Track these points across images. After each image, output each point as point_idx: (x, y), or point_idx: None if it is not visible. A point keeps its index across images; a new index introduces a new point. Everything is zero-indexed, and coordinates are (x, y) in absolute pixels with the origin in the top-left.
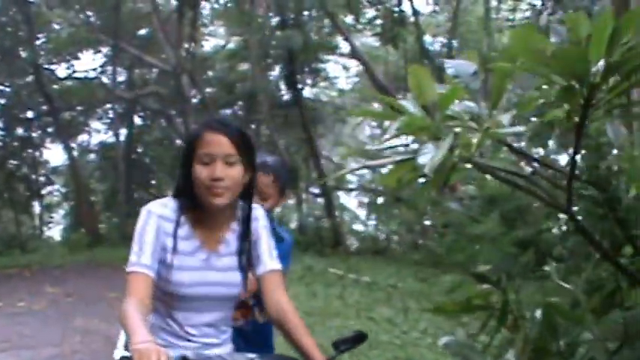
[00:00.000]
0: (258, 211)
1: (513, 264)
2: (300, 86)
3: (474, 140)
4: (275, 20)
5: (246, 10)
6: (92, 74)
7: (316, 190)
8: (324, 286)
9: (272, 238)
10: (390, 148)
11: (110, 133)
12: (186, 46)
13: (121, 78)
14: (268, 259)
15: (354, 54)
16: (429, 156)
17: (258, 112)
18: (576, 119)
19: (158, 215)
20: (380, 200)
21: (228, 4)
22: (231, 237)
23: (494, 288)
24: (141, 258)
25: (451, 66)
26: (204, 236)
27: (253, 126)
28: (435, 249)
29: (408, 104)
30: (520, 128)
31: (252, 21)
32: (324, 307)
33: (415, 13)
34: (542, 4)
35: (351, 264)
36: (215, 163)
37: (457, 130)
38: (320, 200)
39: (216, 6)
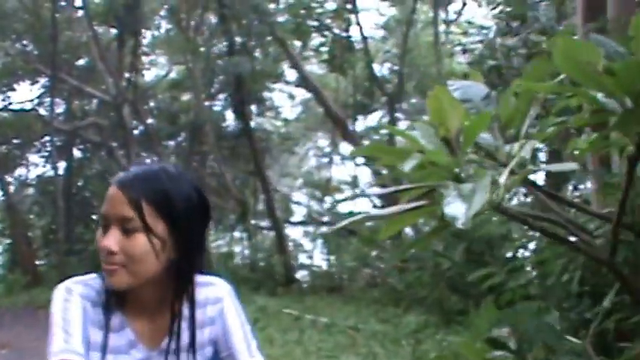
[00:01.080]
0: (219, 289)
1: (535, 327)
2: (249, 116)
3: (501, 181)
4: (220, 47)
5: (189, 36)
6: (29, 106)
7: (264, 224)
8: (281, 330)
9: (248, 321)
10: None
11: (48, 166)
12: (127, 75)
13: (59, 109)
14: (246, 355)
15: (301, 82)
16: (459, 206)
17: (203, 143)
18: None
19: (81, 296)
20: (325, 231)
21: (171, 32)
22: (181, 326)
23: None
24: (70, 343)
25: (458, 87)
26: (141, 327)
27: (198, 158)
28: (395, 285)
29: (421, 136)
30: (572, 165)
31: (196, 48)
32: (283, 355)
33: (364, 38)
34: (507, 25)
35: (307, 303)
36: (109, 229)
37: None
38: (266, 233)
39: (157, 34)
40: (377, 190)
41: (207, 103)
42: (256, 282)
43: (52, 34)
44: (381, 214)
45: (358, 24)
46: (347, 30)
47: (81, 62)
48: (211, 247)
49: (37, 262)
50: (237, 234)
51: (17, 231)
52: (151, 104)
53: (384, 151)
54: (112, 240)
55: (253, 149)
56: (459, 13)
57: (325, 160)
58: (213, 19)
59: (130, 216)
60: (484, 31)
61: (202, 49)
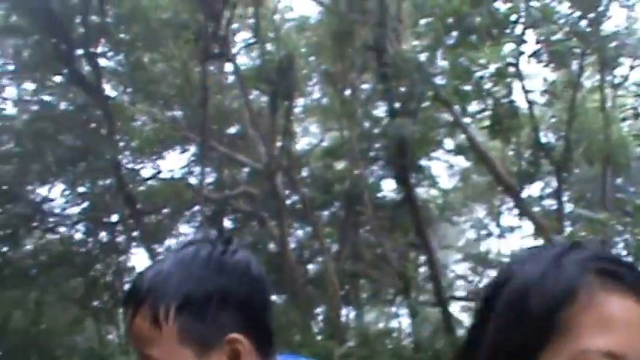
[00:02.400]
0: None
1: None
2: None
3: None
4: (377, 111)
5: (346, 100)
6: (178, 174)
7: (422, 298)
8: None
9: None
10: None
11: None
12: (279, 143)
13: (209, 178)
14: None
15: (460, 149)
16: None
17: (359, 213)
18: None
19: None
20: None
21: (324, 98)
22: None
23: None
24: None
25: None
26: None
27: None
28: None
29: None
30: None
31: (353, 112)
32: None
33: (529, 103)
34: None
35: None
36: None
37: None
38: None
39: (309, 100)
40: None
41: (363, 171)
42: None
43: (202, 99)
44: None
45: (523, 88)
46: (509, 95)
47: (231, 129)
48: (368, 322)
49: None
50: (393, 309)
51: None
52: (303, 173)
53: None
54: None
55: (416, 220)
56: (626, 78)
57: (484, 232)
58: (368, 83)
59: None
60: None
61: (358, 113)
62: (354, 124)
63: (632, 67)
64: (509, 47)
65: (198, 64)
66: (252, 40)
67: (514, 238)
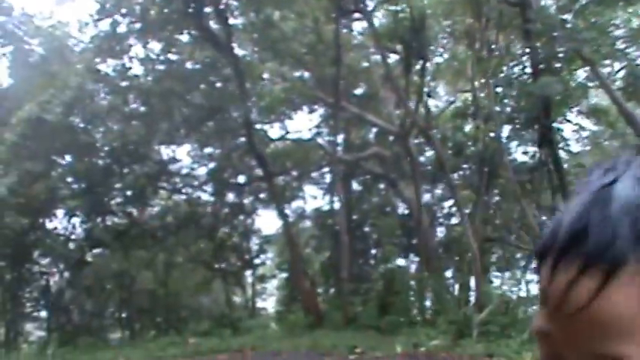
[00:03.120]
0: None
1: None
2: (556, 145)
3: None
4: (513, 70)
5: (484, 57)
6: (307, 135)
7: None
8: None
9: None
10: None
11: (326, 199)
12: (411, 104)
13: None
14: None
15: (594, 110)
16: None
17: (495, 176)
18: None
19: None
20: None
21: (456, 58)
22: None
23: None
24: None
25: None
26: None
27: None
28: None
29: None
30: None
31: (489, 68)
32: None
33: None
34: None
35: None
36: None
37: None
38: None
39: (440, 60)
40: None
41: (498, 132)
42: None
43: (335, 57)
44: None
45: None
46: None
47: (362, 89)
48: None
49: (317, 302)
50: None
51: (296, 266)
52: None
53: None
54: None
55: (560, 183)
56: None
57: None
58: (504, 42)
59: None
60: None
61: (490, 69)
62: (488, 84)
63: None
64: None
65: (331, 21)
66: None
67: None
